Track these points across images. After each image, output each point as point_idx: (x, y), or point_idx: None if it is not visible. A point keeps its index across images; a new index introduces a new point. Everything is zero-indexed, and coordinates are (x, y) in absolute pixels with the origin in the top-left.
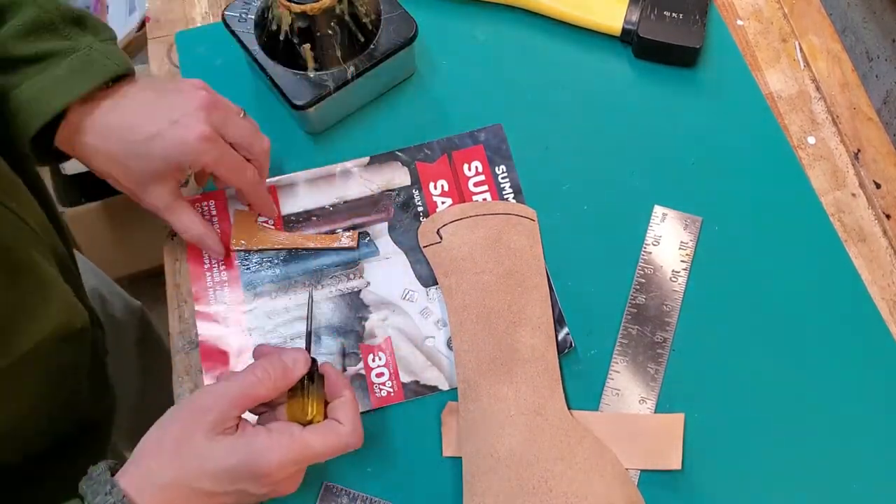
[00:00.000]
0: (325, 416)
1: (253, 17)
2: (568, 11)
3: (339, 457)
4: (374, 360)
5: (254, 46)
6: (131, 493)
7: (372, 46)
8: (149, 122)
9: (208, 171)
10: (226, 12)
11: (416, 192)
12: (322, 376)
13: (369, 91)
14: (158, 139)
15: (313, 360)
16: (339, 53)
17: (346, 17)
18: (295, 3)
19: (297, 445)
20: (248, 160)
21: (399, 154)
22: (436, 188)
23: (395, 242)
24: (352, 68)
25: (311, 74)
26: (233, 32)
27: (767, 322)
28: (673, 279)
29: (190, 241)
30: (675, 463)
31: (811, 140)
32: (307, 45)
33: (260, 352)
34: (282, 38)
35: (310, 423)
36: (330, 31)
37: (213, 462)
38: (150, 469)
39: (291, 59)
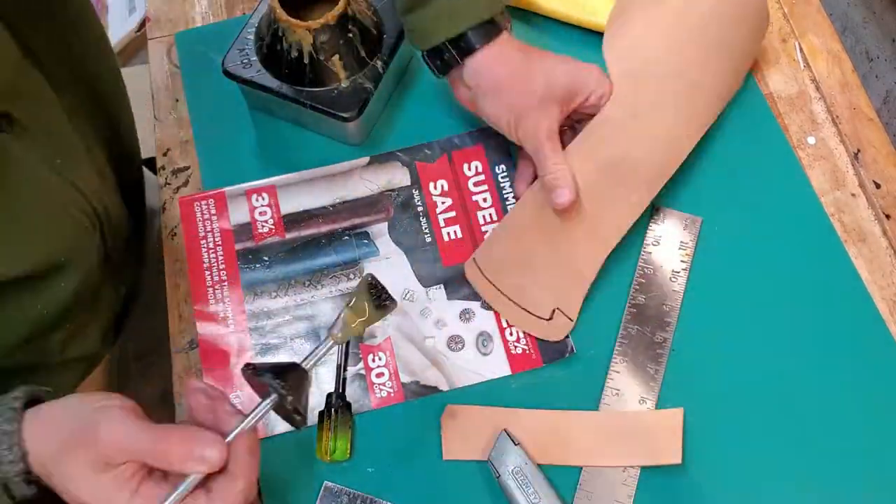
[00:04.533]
0: (351, 455)
1: (256, 58)
2: (568, 11)
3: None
4: (373, 361)
5: (274, 83)
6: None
7: (385, 36)
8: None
9: (587, 110)
10: (226, 66)
11: (415, 192)
12: (350, 405)
13: (392, 81)
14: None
15: (339, 394)
16: (363, 52)
17: (358, 16)
18: (310, 21)
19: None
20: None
21: (399, 154)
22: (436, 188)
23: (394, 242)
24: (379, 62)
25: (344, 84)
26: (245, 81)
27: (767, 322)
28: (673, 279)
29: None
30: (676, 457)
31: (811, 140)
32: (335, 57)
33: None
34: (306, 61)
35: (335, 461)
36: (350, 35)
37: (75, 487)
38: (47, 436)
39: (319, 78)
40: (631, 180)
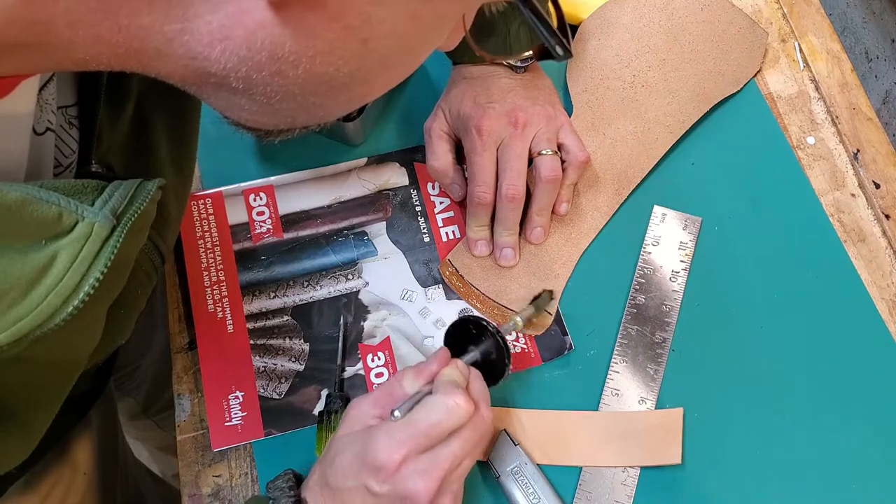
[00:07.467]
0: None
1: None
2: (567, 11)
3: None
4: (373, 361)
5: None
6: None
7: None
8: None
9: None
10: None
11: (413, 192)
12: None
13: None
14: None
15: (339, 394)
16: None
17: None
18: None
19: (402, 423)
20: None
21: (397, 154)
22: (433, 188)
23: (393, 242)
24: None
25: None
26: None
27: (767, 322)
28: (672, 279)
29: (431, 173)
30: (675, 457)
31: (811, 140)
32: None
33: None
34: None
35: None
36: None
37: (339, 455)
38: (313, 473)
39: None
40: (596, 185)
